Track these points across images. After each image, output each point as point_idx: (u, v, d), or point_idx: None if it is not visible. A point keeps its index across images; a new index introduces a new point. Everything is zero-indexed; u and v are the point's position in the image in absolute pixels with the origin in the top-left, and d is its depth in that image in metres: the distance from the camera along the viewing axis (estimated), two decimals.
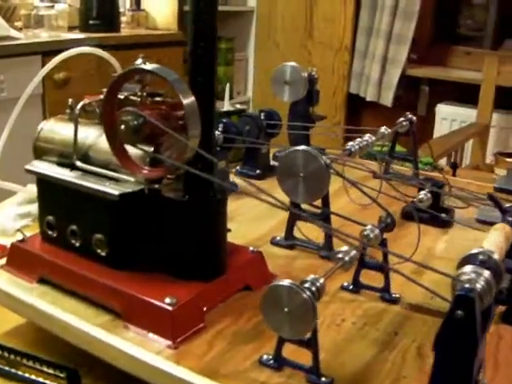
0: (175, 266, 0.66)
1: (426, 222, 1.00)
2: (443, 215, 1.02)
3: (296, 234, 0.87)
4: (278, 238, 0.87)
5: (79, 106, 0.70)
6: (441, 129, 2.85)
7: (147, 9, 2.77)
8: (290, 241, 0.86)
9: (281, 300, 0.54)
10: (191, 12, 0.60)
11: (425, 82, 3.03)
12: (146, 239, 0.67)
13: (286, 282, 0.54)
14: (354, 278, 0.76)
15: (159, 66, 0.61)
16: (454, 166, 1.22)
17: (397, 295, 0.75)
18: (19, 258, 0.74)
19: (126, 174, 0.66)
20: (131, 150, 0.65)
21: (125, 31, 2.58)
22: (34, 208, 1.09)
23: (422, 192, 1.00)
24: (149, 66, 0.60)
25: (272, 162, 1.20)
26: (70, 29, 2.43)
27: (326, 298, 0.74)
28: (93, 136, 0.70)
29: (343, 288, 0.76)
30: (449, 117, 2.83)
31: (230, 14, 3.19)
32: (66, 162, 0.71)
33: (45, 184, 0.73)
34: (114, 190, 0.64)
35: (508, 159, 1.96)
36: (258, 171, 1.13)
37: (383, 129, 1.08)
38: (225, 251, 0.69)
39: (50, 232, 0.74)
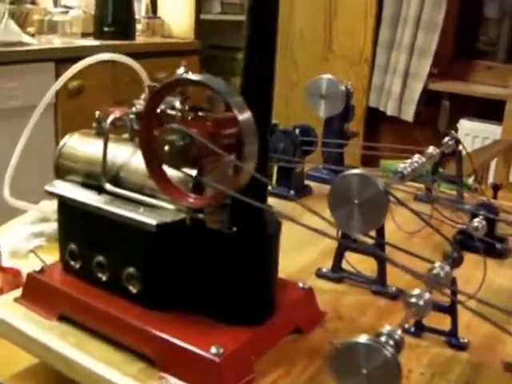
0: (218, 307, 0.57)
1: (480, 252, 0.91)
2: (499, 245, 0.94)
3: (343, 265, 0.78)
4: (325, 269, 0.78)
5: (109, 120, 0.61)
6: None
7: (163, 16, 2.69)
8: (337, 273, 0.77)
9: (357, 360, 0.45)
10: (249, 9, 0.51)
11: (445, 97, 2.94)
12: (185, 276, 0.58)
13: (363, 339, 0.45)
14: (417, 320, 0.67)
15: (207, 76, 0.53)
16: (496, 188, 1.13)
17: (465, 340, 0.65)
18: (37, 291, 0.65)
19: (163, 200, 0.58)
20: (170, 174, 0.56)
21: (140, 39, 2.50)
22: (47, 227, 1.01)
23: (476, 219, 0.91)
24: (196, 77, 0.51)
25: (306, 182, 1.11)
26: (84, 35, 2.36)
27: None
28: (124, 155, 0.62)
29: (405, 330, 0.67)
30: (471, 133, 2.74)
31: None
32: (92, 183, 0.63)
33: (68, 208, 0.64)
34: (151, 219, 0.56)
35: None
36: (291, 192, 1.04)
37: (431, 149, 0.99)
38: (275, 290, 0.60)
39: (72, 262, 0.65)
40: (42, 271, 0.66)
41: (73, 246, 0.64)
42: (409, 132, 2.94)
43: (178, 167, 0.51)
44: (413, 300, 0.55)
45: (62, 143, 0.67)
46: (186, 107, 0.58)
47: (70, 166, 0.65)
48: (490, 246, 0.89)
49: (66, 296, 0.63)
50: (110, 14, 2.32)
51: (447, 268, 0.62)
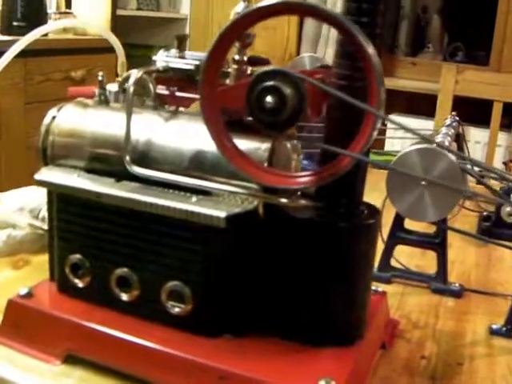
0: (303, 325, 0.42)
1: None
2: None
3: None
4: None
5: (133, 80, 0.44)
6: (393, 141, 2.71)
7: (76, 12, 2.46)
8: (387, 272, 0.64)
9: None
10: None
11: None
12: (254, 288, 0.42)
13: None
14: (509, 318, 0.55)
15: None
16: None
17: None
18: (26, 324, 0.47)
19: (221, 183, 0.42)
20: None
21: (52, 35, 2.26)
22: None
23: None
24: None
25: None
26: None
27: (484, 350, 0.52)
28: (152, 128, 0.45)
29: (494, 332, 0.55)
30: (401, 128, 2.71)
31: (162, 21, 2.93)
32: (103, 167, 0.46)
33: (69, 203, 0.46)
34: (216, 210, 0.40)
35: None
36: None
37: (448, 121, 0.90)
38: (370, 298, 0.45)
39: (75, 280, 0.47)
40: (29, 295, 0.48)
41: (77, 258, 0.47)
42: None
43: (282, 130, 0.35)
44: None
45: (48, 118, 0.49)
46: (245, 58, 0.43)
47: (67, 146, 0.47)
48: None
49: (74, 327, 0.45)
50: (19, 7, 2.08)
51: None
